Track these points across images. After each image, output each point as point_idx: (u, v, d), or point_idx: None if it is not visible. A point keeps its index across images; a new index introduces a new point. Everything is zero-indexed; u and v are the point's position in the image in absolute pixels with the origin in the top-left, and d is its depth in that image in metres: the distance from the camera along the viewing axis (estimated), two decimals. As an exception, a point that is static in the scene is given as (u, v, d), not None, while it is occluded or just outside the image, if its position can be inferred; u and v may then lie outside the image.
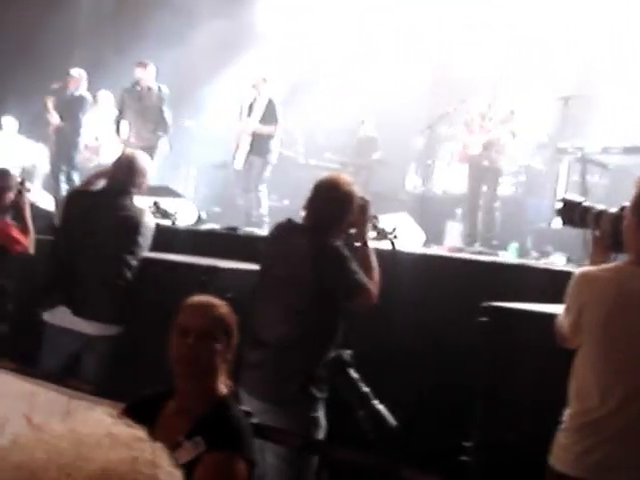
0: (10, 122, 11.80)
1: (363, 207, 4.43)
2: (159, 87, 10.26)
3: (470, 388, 4.59)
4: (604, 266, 3.34)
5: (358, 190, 4.46)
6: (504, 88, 8.78)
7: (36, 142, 11.68)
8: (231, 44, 12.29)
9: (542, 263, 6.89)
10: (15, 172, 6.49)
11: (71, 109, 10.66)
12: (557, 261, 7.16)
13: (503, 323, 4.35)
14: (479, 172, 8.76)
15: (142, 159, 5.47)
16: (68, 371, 5.06)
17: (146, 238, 5.33)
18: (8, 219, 5.97)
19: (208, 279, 5.20)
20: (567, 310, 3.35)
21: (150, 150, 10.18)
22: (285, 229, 4.50)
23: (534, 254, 7.83)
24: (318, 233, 4.26)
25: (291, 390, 4.13)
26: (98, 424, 1.21)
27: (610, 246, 3.49)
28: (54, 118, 10.67)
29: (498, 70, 9.03)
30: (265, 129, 9.47)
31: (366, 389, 4.08)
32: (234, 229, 7.61)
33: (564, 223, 3.76)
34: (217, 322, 3.03)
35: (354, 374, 4.13)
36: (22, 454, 1.12)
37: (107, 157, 11.31)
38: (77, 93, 10.72)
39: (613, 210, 3.56)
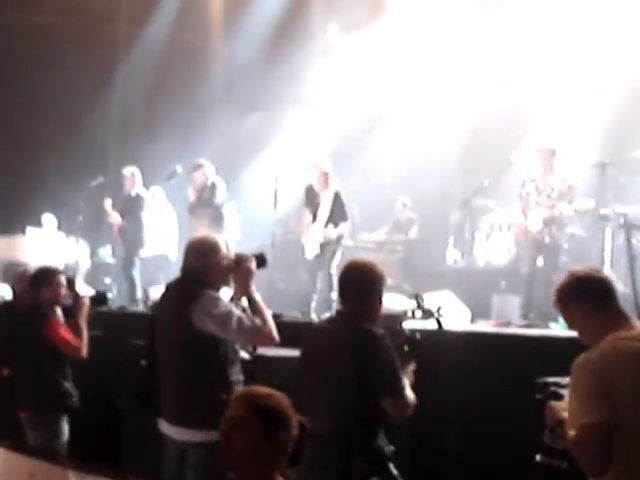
0: (50, 220, 12.01)
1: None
2: (213, 183, 10.46)
3: (528, 469, 4.45)
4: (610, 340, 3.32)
5: (386, 270, 4.49)
6: (557, 161, 8.71)
7: (76, 238, 11.85)
8: (263, 131, 12.53)
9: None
10: (60, 270, 6.42)
11: (131, 208, 10.82)
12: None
13: (554, 397, 4.22)
14: (538, 247, 8.65)
15: (201, 239, 4.81)
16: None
17: (219, 321, 4.41)
18: (56, 317, 5.92)
19: (255, 368, 5.14)
20: (588, 409, 3.22)
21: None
22: (329, 320, 4.55)
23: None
24: (357, 321, 4.20)
25: None
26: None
27: None
28: (114, 218, 10.85)
29: (547, 143, 8.93)
30: (335, 233, 9.29)
31: None
32: (278, 316, 7.57)
33: None
34: (251, 411, 2.97)
35: (394, 470, 4.08)
36: None
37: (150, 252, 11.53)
38: (134, 192, 10.86)
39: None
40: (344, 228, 9.35)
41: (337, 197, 9.34)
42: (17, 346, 5.98)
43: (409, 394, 4.16)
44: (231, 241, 4.92)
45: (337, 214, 9.29)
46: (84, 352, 5.91)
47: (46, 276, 6.06)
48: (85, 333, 5.94)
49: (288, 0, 12.97)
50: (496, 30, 11.05)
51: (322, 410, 4.12)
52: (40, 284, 6.00)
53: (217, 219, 10.36)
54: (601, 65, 10.35)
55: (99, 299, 6.34)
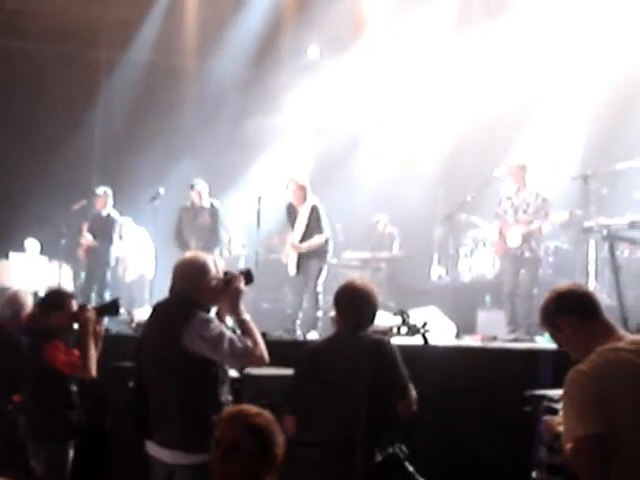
0: (32, 244, 11.98)
1: None
2: (212, 204, 10.37)
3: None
4: (606, 348, 3.31)
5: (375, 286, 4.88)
6: (530, 177, 8.74)
7: (59, 262, 11.78)
8: (245, 152, 12.53)
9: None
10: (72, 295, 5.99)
11: (101, 228, 10.76)
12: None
13: (548, 412, 4.21)
14: (518, 262, 8.66)
15: (190, 259, 4.67)
16: None
17: (211, 343, 4.29)
18: (56, 341, 5.47)
19: (241, 387, 5.10)
20: (583, 421, 3.18)
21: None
22: (336, 334, 4.76)
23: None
24: (358, 331, 4.51)
25: None
26: None
27: None
28: (87, 239, 10.79)
29: (519, 159, 8.96)
30: (312, 244, 9.08)
31: None
32: (263, 335, 7.52)
33: None
34: (246, 433, 2.94)
35: (410, 468, 4.25)
36: None
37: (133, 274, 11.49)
38: (105, 213, 10.83)
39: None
40: (318, 240, 9.06)
41: (314, 210, 9.13)
42: (21, 373, 5.70)
43: (412, 391, 4.40)
44: (220, 260, 4.88)
45: (313, 227, 9.08)
46: (91, 371, 5.46)
47: (58, 300, 5.69)
48: (91, 350, 5.45)
49: (268, 22, 13.07)
50: (477, 46, 11.15)
51: (335, 419, 4.28)
52: (51, 308, 5.62)
53: (213, 240, 10.21)
54: (582, 78, 10.44)
55: (109, 308, 5.83)
